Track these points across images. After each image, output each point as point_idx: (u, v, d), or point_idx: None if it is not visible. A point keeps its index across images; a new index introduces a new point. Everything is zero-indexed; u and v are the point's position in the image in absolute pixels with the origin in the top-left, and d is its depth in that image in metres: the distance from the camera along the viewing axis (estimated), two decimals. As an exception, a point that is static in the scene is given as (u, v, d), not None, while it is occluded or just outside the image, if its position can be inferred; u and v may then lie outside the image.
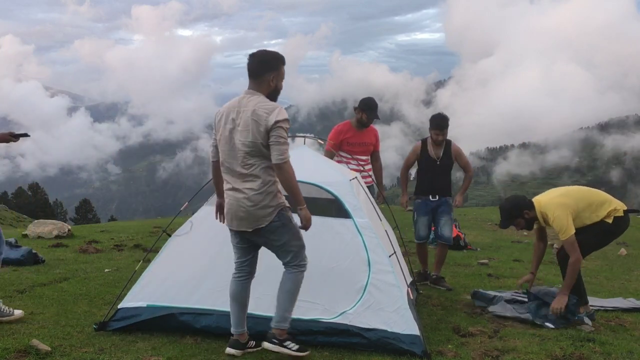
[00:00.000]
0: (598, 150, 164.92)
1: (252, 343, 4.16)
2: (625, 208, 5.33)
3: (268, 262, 4.55)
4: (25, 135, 4.91)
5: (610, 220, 5.25)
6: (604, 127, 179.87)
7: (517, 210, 5.34)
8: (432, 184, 6.65)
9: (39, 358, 3.84)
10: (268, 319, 4.32)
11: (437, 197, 6.64)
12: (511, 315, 5.32)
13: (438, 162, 6.59)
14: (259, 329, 4.30)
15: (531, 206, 5.33)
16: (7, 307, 4.75)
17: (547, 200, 5.32)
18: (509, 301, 5.58)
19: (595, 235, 5.33)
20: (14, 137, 4.70)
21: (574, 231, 5.10)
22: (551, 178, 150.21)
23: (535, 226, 5.53)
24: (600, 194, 5.38)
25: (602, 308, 5.73)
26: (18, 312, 4.76)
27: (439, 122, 6.46)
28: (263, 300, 4.40)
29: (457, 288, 6.72)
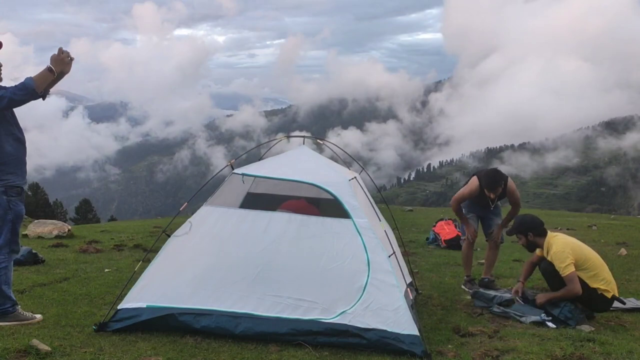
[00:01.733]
0: (598, 150, 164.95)
1: None
2: (616, 294, 5.37)
3: (268, 263, 4.56)
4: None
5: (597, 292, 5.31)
6: (607, 126, 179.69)
7: (524, 228, 5.55)
8: (483, 211, 6.64)
9: (39, 358, 3.84)
10: (268, 319, 4.34)
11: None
12: (513, 315, 5.33)
13: (491, 203, 6.51)
14: (259, 329, 4.30)
15: (540, 233, 5.51)
16: (28, 313, 4.79)
17: (560, 237, 5.46)
18: (508, 302, 5.59)
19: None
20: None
21: (573, 269, 5.20)
22: (551, 178, 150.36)
23: (537, 252, 5.65)
24: (603, 268, 5.41)
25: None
26: (38, 317, 4.79)
27: (490, 184, 6.24)
28: (264, 301, 4.41)
29: (457, 288, 6.72)
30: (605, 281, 5.32)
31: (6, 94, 4.30)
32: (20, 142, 4.60)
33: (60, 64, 4.47)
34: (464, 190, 6.48)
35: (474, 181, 6.40)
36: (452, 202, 6.58)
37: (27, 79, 4.35)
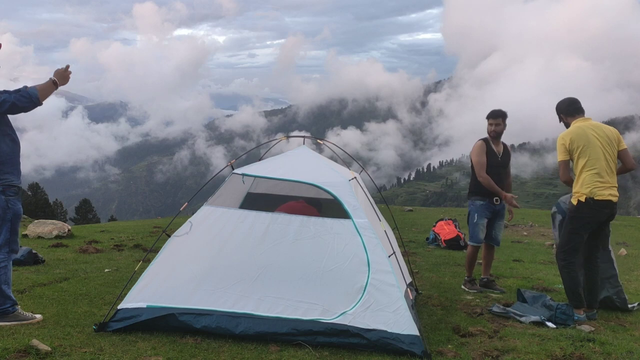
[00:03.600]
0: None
1: None
2: (596, 198, 5.25)
3: (268, 263, 4.56)
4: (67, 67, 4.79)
5: (574, 202, 5.36)
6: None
7: (557, 112, 5.76)
8: (497, 183, 6.43)
9: (39, 358, 3.84)
10: (268, 320, 4.34)
11: (499, 202, 6.48)
12: (513, 315, 5.33)
13: (499, 158, 6.52)
14: (259, 329, 4.30)
15: (568, 113, 5.64)
16: (28, 312, 4.79)
17: (577, 123, 5.49)
18: (507, 305, 5.61)
19: (563, 226, 5.52)
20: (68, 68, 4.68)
21: (562, 158, 5.41)
22: (551, 178, 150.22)
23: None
24: (592, 169, 5.31)
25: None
26: (38, 316, 4.79)
27: (496, 112, 6.53)
28: (264, 302, 4.41)
29: (457, 288, 6.72)
30: (599, 175, 5.26)
31: (9, 98, 4.39)
32: (15, 142, 4.66)
33: (64, 80, 4.68)
34: (479, 156, 6.46)
35: (476, 143, 6.58)
36: (480, 177, 6.41)
37: (31, 88, 4.46)
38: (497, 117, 6.48)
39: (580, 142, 5.33)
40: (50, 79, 4.62)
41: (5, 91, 4.43)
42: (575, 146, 5.34)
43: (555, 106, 5.81)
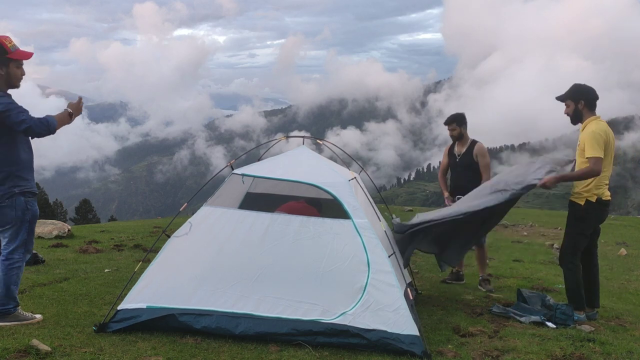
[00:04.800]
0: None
1: None
2: (604, 198, 5.22)
3: (268, 264, 4.56)
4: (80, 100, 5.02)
5: (582, 202, 5.24)
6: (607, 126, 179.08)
7: (578, 94, 5.32)
8: (454, 181, 6.87)
9: (39, 358, 3.84)
10: (268, 320, 4.34)
11: (453, 201, 6.63)
12: (513, 315, 5.33)
13: (457, 159, 6.82)
14: (259, 329, 4.30)
15: (591, 105, 5.29)
16: (28, 313, 4.80)
17: (606, 125, 5.23)
18: (507, 305, 5.61)
19: (567, 226, 5.41)
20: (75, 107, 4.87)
21: (602, 155, 5.05)
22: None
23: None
24: (608, 169, 5.27)
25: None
26: (38, 316, 4.79)
27: (449, 118, 6.86)
28: (264, 302, 4.41)
29: (457, 288, 6.72)
30: (602, 180, 5.19)
31: (28, 121, 4.51)
32: (31, 150, 4.82)
33: (78, 112, 4.90)
34: (442, 159, 7.11)
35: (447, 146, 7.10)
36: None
37: (50, 117, 4.64)
38: (451, 123, 6.84)
39: (608, 141, 5.16)
40: (66, 110, 4.80)
41: (27, 112, 4.56)
42: (607, 144, 5.14)
43: (574, 89, 5.35)
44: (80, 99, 4.98)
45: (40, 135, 4.60)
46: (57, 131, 4.70)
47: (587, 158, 5.10)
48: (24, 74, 4.68)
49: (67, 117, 4.77)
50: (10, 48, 4.50)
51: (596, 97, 5.30)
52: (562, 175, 5.27)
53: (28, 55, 4.65)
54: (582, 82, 5.44)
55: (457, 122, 6.82)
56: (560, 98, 5.47)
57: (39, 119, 4.56)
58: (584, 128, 5.28)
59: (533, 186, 5.23)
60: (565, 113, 5.44)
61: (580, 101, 5.29)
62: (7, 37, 4.57)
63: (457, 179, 6.84)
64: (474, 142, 6.82)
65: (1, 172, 4.54)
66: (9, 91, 4.62)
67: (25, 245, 4.71)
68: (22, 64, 4.65)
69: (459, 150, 6.86)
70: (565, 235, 5.47)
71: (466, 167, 6.77)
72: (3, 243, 4.69)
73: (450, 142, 7.04)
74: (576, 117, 5.37)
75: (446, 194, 6.92)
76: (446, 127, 6.90)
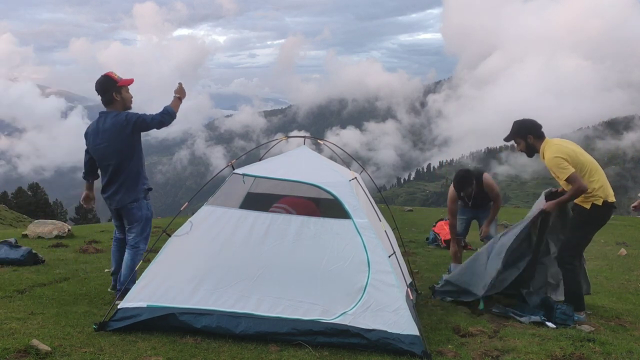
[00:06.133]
0: (598, 149, 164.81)
1: None
2: (609, 200, 5.26)
3: (268, 263, 4.56)
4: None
5: (587, 206, 5.26)
6: (607, 126, 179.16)
7: (524, 131, 5.42)
8: (473, 212, 6.84)
9: (39, 358, 3.84)
10: (268, 320, 4.34)
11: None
12: (513, 315, 5.33)
13: (470, 204, 6.70)
14: (259, 329, 4.30)
15: (539, 135, 5.39)
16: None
17: (555, 142, 5.33)
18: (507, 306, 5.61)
19: (572, 229, 5.40)
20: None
21: (572, 170, 5.11)
22: (552, 178, 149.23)
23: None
24: (599, 172, 5.30)
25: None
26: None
27: (458, 184, 6.36)
28: (264, 301, 4.41)
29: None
30: (601, 183, 5.23)
31: (157, 117, 5.37)
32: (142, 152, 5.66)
33: (184, 94, 5.66)
34: (449, 203, 6.71)
35: (450, 187, 6.60)
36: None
37: (168, 107, 5.46)
38: (466, 188, 6.36)
39: (570, 153, 5.19)
40: (175, 96, 5.58)
41: (146, 114, 5.41)
42: (570, 158, 5.18)
43: (518, 127, 5.44)
44: (180, 84, 5.65)
45: (169, 123, 5.43)
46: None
47: (565, 181, 5.21)
48: (132, 97, 5.59)
49: (178, 101, 5.56)
50: (117, 78, 5.44)
51: (540, 126, 5.44)
52: (558, 200, 5.37)
53: (131, 81, 5.58)
54: (519, 119, 5.54)
55: (471, 185, 6.39)
56: (507, 139, 5.61)
57: (161, 113, 5.39)
58: (543, 156, 5.39)
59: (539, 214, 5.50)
60: (518, 150, 5.56)
61: (528, 136, 5.42)
62: (111, 71, 5.50)
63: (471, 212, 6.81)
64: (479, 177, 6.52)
65: (135, 176, 5.44)
66: None
67: (147, 239, 5.61)
68: (129, 89, 5.57)
69: (467, 193, 6.46)
70: (568, 237, 5.45)
71: (480, 207, 6.77)
72: (132, 236, 5.52)
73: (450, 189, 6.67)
74: (530, 151, 5.50)
75: (455, 244, 6.93)
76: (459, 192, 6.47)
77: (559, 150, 5.21)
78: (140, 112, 5.61)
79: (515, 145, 5.56)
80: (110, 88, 5.40)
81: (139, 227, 5.50)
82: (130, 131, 5.33)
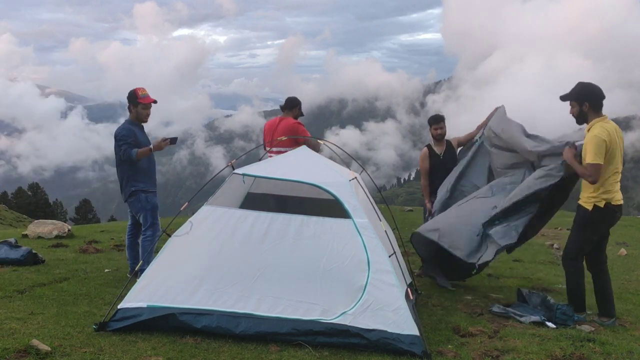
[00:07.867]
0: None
1: None
2: (613, 203, 5.10)
3: (268, 263, 4.56)
4: (174, 139, 6.22)
5: (589, 207, 5.10)
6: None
7: (584, 97, 5.10)
8: (439, 181, 6.85)
9: (39, 358, 3.84)
10: (268, 319, 4.34)
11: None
12: (513, 315, 5.33)
13: (442, 157, 6.97)
14: (259, 329, 4.30)
15: (597, 107, 5.09)
16: None
17: (611, 128, 5.04)
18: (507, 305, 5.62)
19: (574, 230, 5.29)
20: (167, 142, 6.09)
21: (601, 162, 4.90)
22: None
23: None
24: (617, 175, 5.17)
25: None
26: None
27: (437, 117, 7.13)
28: (264, 301, 4.41)
29: (457, 288, 6.72)
30: (613, 185, 5.10)
31: (126, 151, 6.03)
32: (151, 160, 6.27)
33: (158, 149, 6.13)
34: (421, 163, 7.12)
35: (423, 149, 7.19)
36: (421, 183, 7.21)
37: (136, 151, 6.02)
38: (441, 121, 7.07)
39: (612, 145, 4.98)
40: (154, 145, 6.10)
41: (130, 145, 6.04)
42: (609, 149, 4.97)
43: (578, 90, 5.13)
44: (166, 143, 6.12)
45: (127, 160, 6.05)
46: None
47: (586, 164, 4.98)
48: (149, 115, 6.24)
49: (149, 151, 6.09)
50: (141, 96, 6.10)
51: (602, 97, 5.10)
52: (574, 161, 5.12)
53: (151, 101, 6.15)
54: (586, 81, 5.23)
55: (444, 121, 7.11)
56: (564, 98, 5.29)
57: (130, 152, 5.98)
58: (589, 130, 5.08)
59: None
60: (570, 113, 5.26)
61: (584, 103, 5.09)
62: (141, 88, 6.16)
63: (443, 178, 6.85)
64: (447, 140, 7.12)
65: (126, 180, 6.12)
66: None
67: (153, 226, 6.16)
68: (149, 107, 6.20)
69: (440, 149, 7.06)
70: (570, 238, 5.35)
71: (452, 163, 6.92)
72: (142, 223, 6.22)
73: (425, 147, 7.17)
74: (581, 119, 5.21)
75: (429, 205, 6.89)
76: (433, 126, 7.08)
77: (609, 136, 4.93)
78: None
79: (570, 107, 5.26)
80: (131, 100, 6.17)
81: (142, 217, 6.22)
82: (115, 145, 6.17)
